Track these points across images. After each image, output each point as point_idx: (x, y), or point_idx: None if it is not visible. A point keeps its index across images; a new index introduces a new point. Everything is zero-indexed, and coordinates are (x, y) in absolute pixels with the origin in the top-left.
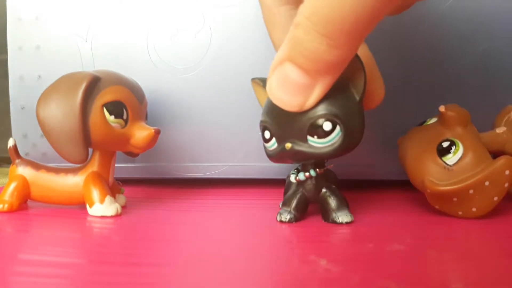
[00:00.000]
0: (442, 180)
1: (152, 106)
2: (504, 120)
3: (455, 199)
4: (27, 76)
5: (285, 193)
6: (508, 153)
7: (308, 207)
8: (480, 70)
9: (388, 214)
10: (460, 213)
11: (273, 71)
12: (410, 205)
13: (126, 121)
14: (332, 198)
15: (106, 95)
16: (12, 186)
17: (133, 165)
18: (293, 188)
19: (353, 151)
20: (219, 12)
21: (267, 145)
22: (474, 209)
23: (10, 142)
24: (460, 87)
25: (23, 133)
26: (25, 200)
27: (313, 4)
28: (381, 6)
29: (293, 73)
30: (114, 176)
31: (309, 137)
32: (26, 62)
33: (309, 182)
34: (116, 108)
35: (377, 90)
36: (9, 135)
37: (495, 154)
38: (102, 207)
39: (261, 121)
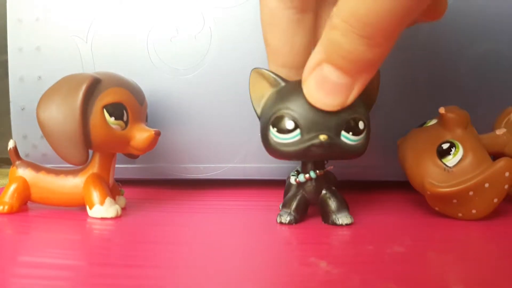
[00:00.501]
0: (442, 182)
1: (152, 107)
2: (504, 121)
3: (455, 201)
4: (27, 77)
5: (285, 194)
6: (508, 155)
7: (308, 209)
8: (480, 72)
9: (388, 215)
10: (460, 214)
11: (310, 74)
12: (410, 206)
13: (126, 123)
14: (332, 199)
15: (106, 97)
16: (12, 187)
17: (133, 166)
18: (293, 189)
19: None
20: (219, 13)
21: (285, 136)
22: (474, 211)
23: (10, 144)
24: (460, 89)
25: (23, 134)
26: (25, 202)
27: (349, 6)
28: (414, 5)
29: (333, 74)
30: (114, 177)
31: (343, 133)
32: (26, 63)
33: (309, 183)
34: (116, 110)
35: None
36: (9, 135)
37: (495, 156)
38: (102, 209)
39: (282, 110)
